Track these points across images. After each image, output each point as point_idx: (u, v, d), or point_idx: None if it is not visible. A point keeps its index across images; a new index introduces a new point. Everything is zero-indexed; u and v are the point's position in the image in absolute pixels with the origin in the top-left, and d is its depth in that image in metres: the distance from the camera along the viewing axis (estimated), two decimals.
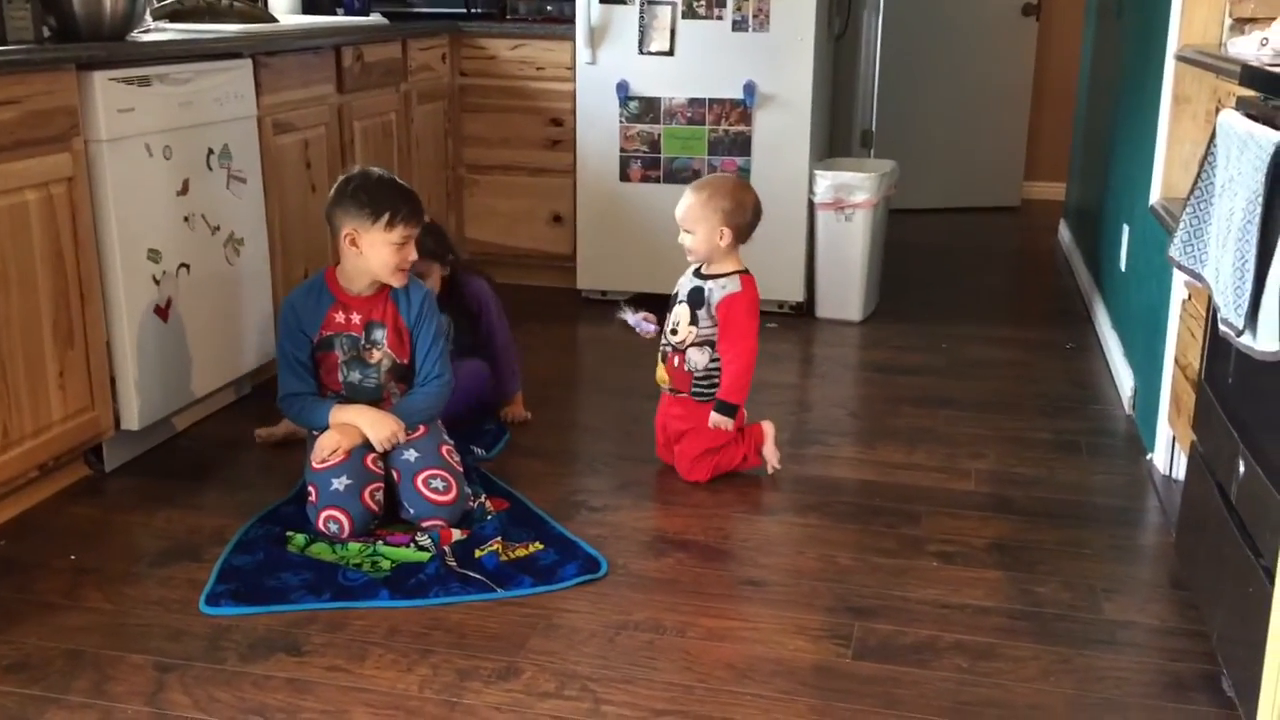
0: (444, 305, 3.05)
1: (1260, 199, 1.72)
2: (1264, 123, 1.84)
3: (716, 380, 2.79)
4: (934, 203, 6.14)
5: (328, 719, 1.89)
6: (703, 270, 2.82)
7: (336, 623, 2.17)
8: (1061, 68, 6.21)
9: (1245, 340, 1.78)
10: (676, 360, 2.81)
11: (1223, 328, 1.86)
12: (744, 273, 2.82)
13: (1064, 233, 5.54)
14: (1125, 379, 3.38)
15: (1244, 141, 1.82)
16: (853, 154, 5.14)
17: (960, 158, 6.18)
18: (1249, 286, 1.75)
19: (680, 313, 2.81)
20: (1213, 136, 2.04)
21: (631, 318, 2.94)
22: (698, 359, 2.78)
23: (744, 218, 2.79)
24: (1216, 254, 1.94)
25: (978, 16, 6.07)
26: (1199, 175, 2.07)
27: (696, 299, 2.79)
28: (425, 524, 2.49)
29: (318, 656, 2.06)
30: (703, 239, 2.76)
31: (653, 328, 2.91)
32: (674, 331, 2.82)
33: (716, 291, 2.78)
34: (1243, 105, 2.05)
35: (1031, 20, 6.12)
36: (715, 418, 2.76)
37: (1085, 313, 4.30)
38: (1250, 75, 2.07)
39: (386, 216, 2.52)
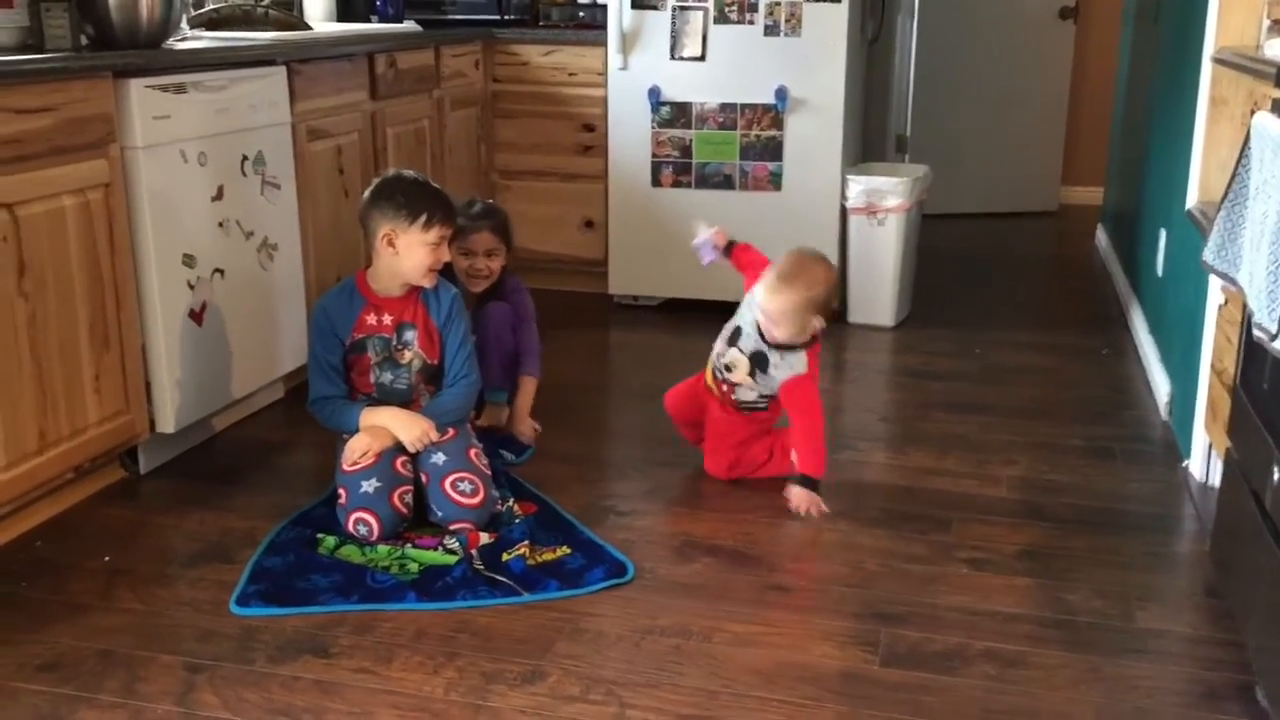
0: (492, 290, 3.10)
1: None
2: None
3: (764, 406, 2.80)
4: (970, 208, 6.10)
5: None
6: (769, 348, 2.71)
7: (364, 625, 2.18)
8: (1099, 71, 6.15)
9: (1279, 345, 1.76)
10: (726, 388, 2.81)
11: (1256, 332, 1.84)
12: (810, 345, 2.70)
13: (1101, 237, 5.49)
14: (1162, 385, 3.34)
15: (1277, 144, 1.80)
16: (888, 159, 5.11)
17: (997, 162, 6.14)
18: None
19: (739, 361, 2.73)
20: (1246, 139, 2.02)
21: (701, 236, 2.79)
22: (747, 396, 2.80)
23: (830, 302, 2.70)
24: (1250, 258, 1.92)
25: (1014, 20, 6.03)
26: (1233, 179, 2.04)
27: (760, 363, 2.71)
28: (453, 527, 2.50)
29: (345, 658, 2.08)
30: (791, 332, 2.64)
31: (713, 257, 2.80)
32: (729, 368, 2.77)
33: (782, 370, 2.68)
34: (1277, 108, 2.02)
35: (1069, 24, 6.07)
36: (799, 493, 2.63)
37: (1122, 318, 4.26)
38: None
39: (424, 217, 2.55)
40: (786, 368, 2.70)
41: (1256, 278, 1.84)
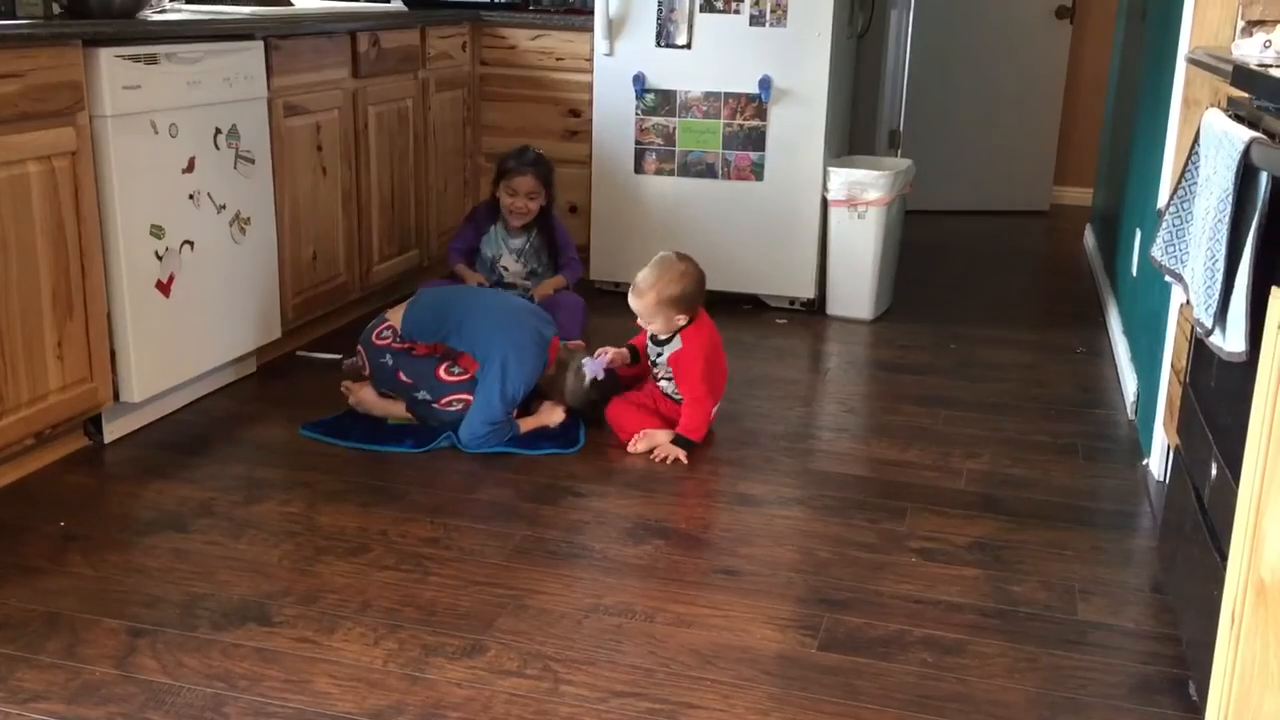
0: (539, 225, 3.77)
1: (1230, 197, 1.70)
2: (1250, 123, 1.82)
3: (678, 399, 3.04)
4: (962, 205, 6.10)
5: (289, 688, 1.92)
6: (659, 337, 3.05)
7: (310, 595, 2.20)
8: (1094, 71, 6.15)
9: (1215, 340, 1.77)
10: (658, 373, 3.10)
11: (1197, 328, 1.84)
12: (684, 328, 3.00)
13: (1089, 238, 5.49)
14: (1130, 384, 3.34)
15: (1219, 140, 1.80)
16: (879, 153, 5.11)
17: (990, 160, 6.14)
18: (1219, 285, 1.73)
19: (653, 349, 3.08)
20: (1196, 137, 2.02)
21: (590, 367, 3.06)
22: (668, 388, 3.07)
23: (695, 297, 3.00)
24: (1195, 254, 1.92)
25: (1010, 18, 6.02)
26: (1182, 175, 2.05)
27: (656, 343, 3.07)
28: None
29: (288, 627, 2.09)
30: (662, 326, 3.00)
31: (599, 366, 3.07)
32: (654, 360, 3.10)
33: (665, 352, 3.03)
34: (1233, 106, 2.03)
35: (1065, 23, 6.06)
36: (670, 446, 2.92)
37: (1100, 318, 4.26)
38: (1239, 76, 2.04)
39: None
40: (668, 349, 3.03)
41: (1196, 272, 1.84)
